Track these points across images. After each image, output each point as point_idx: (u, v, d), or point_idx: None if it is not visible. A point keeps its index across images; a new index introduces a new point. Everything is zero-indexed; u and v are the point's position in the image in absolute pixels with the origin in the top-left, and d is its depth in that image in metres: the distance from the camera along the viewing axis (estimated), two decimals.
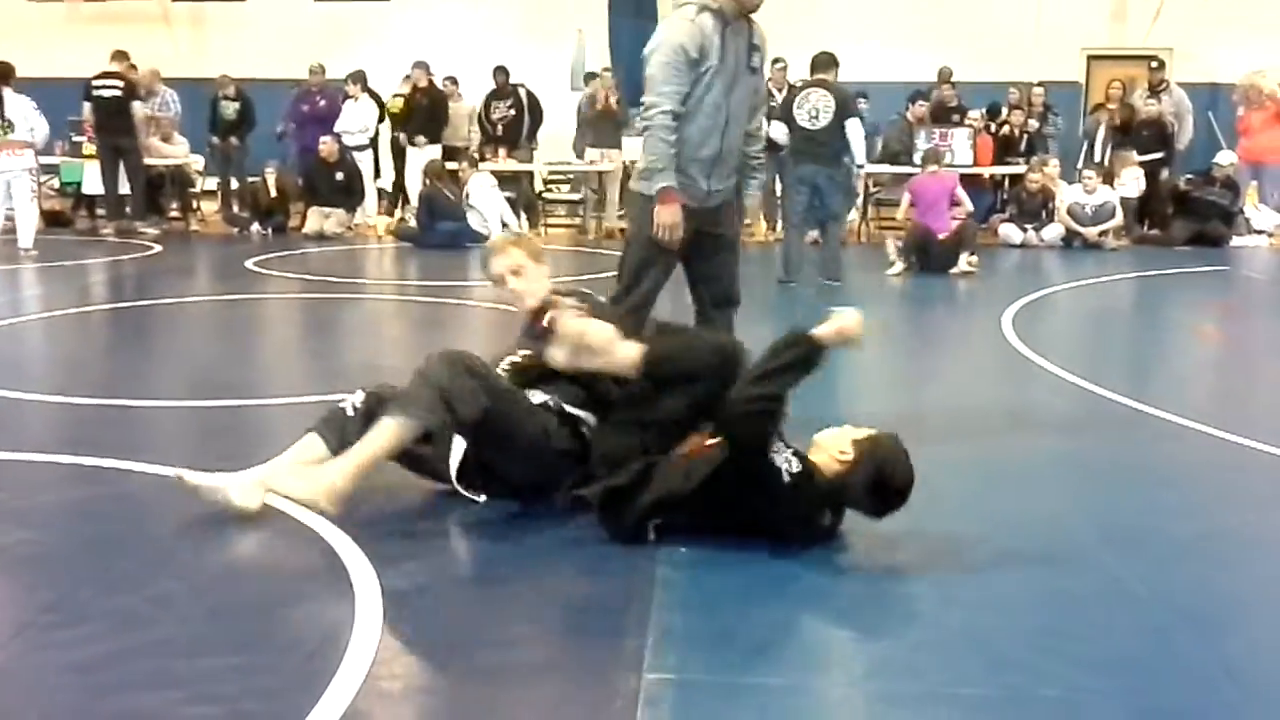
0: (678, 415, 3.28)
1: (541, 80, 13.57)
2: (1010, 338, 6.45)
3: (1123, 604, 2.93)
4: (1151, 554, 3.26)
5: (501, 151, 12.72)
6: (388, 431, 3.24)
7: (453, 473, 3.41)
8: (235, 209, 13.12)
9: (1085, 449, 4.41)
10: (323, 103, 12.83)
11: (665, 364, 3.31)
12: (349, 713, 2.30)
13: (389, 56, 14.34)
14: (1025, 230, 11.48)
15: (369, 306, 8.18)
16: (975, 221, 10.27)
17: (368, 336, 7.08)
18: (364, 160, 12.72)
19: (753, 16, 4.18)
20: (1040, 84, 13.40)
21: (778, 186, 12.16)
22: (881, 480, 3.11)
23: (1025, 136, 12.79)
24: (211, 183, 13.77)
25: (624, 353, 3.32)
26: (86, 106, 11.71)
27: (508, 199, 12.02)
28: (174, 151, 12.87)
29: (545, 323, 3.56)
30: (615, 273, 4.41)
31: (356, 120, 12.70)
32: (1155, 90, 12.59)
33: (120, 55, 11.88)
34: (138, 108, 11.94)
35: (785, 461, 3.10)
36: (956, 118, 12.76)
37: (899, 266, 9.41)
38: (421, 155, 12.46)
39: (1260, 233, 11.93)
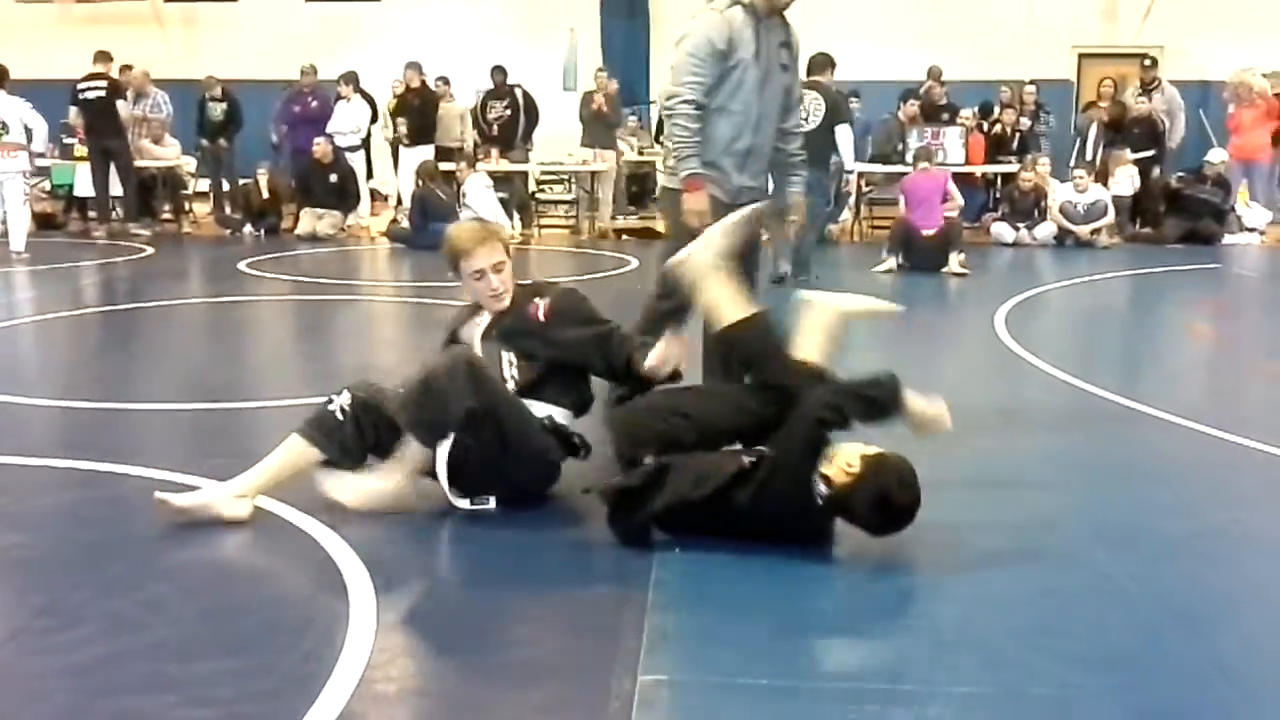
0: (731, 411, 3.39)
1: (533, 80, 13.58)
2: (1003, 336, 6.46)
3: (1115, 602, 2.94)
4: (1144, 552, 3.27)
5: (494, 152, 12.71)
6: (413, 455, 3.32)
7: (442, 477, 3.36)
8: (227, 210, 13.10)
9: (1077, 447, 4.42)
10: (314, 103, 12.82)
11: (766, 346, 3.46)
12: (344, 715, 2.30)
13: (382, 57, 14.33)
14: (1017, 229, 11.50)
15: (362, 308, 8.17)
16: (962, 220, 10.27)
17: (361, 338, 7.08)
18: (356, 161, 12.71)
19: (785, 14, 4.18)
20: (1032, 82, 13.43)
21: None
22: (885, 498, 3.10)
23: (1017, 135, 12.81)
24: (204, 184, 13.75)
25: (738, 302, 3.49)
26: (73, 111, 11.71)
27: (501, 199, 12.02)
28: (165, 153, 12.86)
29: (544, 311, 3.56)
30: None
31: (349, 121, 12.69)
32: (1147, 88, 12.61)
33: (103, 56, 11.85)
34: (123, 107, 11.93)
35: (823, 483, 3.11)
36: (946, 116, 12.78)
37: (889, 264, 9.42)
38: (414, 156, 12.44)
39: (1252, 230, 11.96)
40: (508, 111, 12.86)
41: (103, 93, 11.71)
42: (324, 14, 16.11)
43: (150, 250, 10.75)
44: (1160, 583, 3.05)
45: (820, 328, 3.63)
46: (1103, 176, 11.91)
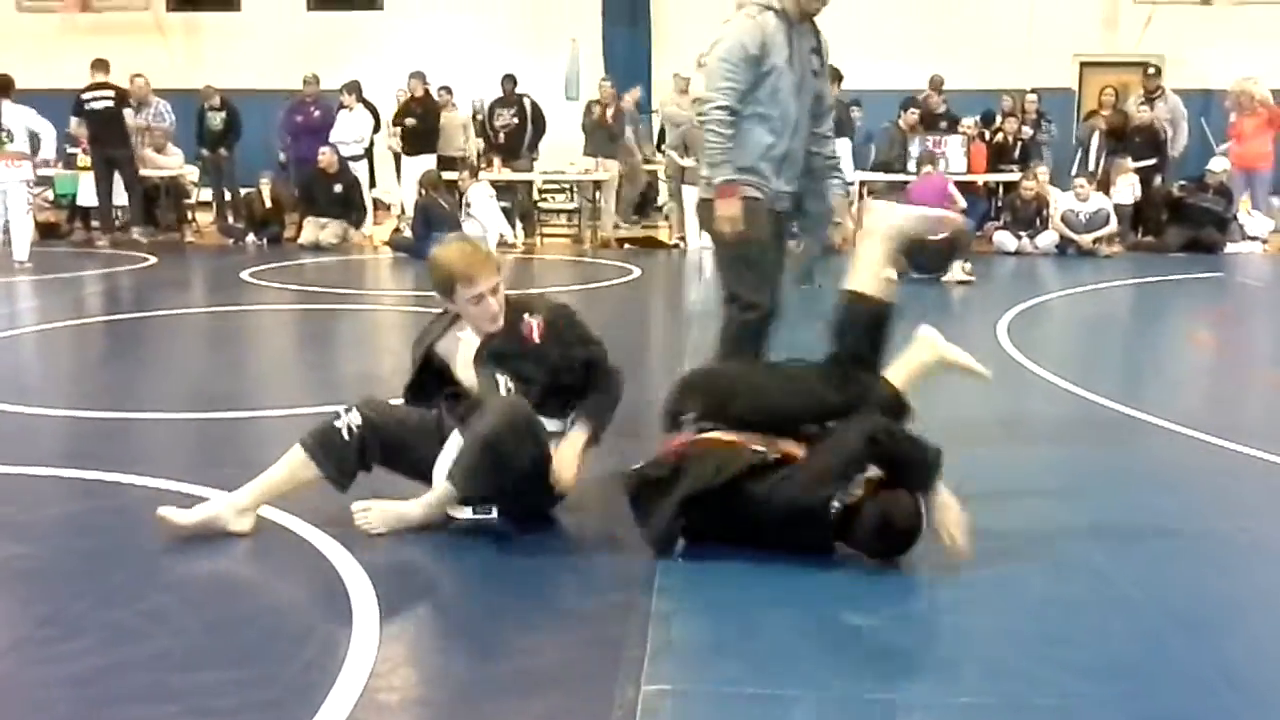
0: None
1: (536, 90, 13.59)
2: (1005, 344, 6.46)
3: (1118, 609, 2.93)
4: (1146, 559, 3.27)
5: (496, 161, 12.73)
6: (444, 497, 3.32)
7: (437, 476, 3.36)
8: (230, 220, 13.13)
9: (1079, 455, 4.42)
10: (317, 113, 12.84)
11: (871, 331, 3.49)
12: None
13: (384, 66, 14.37)
14: (1019, 237, 11.51)
15: (365, 317, 8.18)
16: (970, 226, 10.28)
17: (363, 347, 7.08)
18: (359, 170, 12.72)
19: (815, 20, 4.19)
20: (1033, 91, 13.43)
21: None
22: (887, 522, 3.10)
23: (1019, 144, 12.82)
24: (207, 194, 13.77)
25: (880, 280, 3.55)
26: (74, 121, 11.68)
27: (504, 208, 12.04)
28: (168, 163, 12.89)
29: (538, 331, 3.47)
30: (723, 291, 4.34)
31: (351, 131, 12.70)
32: (1151, 96, 12.62)
33: (102, 64, 11.81)
34: (128, 116, 11.96)
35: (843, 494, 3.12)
36: (944, 125, 12.80)
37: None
38: (416, 165, 12.46)
39: (1254, 239, 11.95)
40: (515, 120, 12.83)
41: (110, 102, 11.72)
42: (326, 23, 16.15)
43: (153, 259, 10.76)
44: (1163, 590, 3.05)
45: (917, 363, 3.58)
46: (1104, 185, 11.92)
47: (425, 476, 3.42)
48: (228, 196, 13.42)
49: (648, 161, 13.77)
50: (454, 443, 3.36)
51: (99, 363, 6.53)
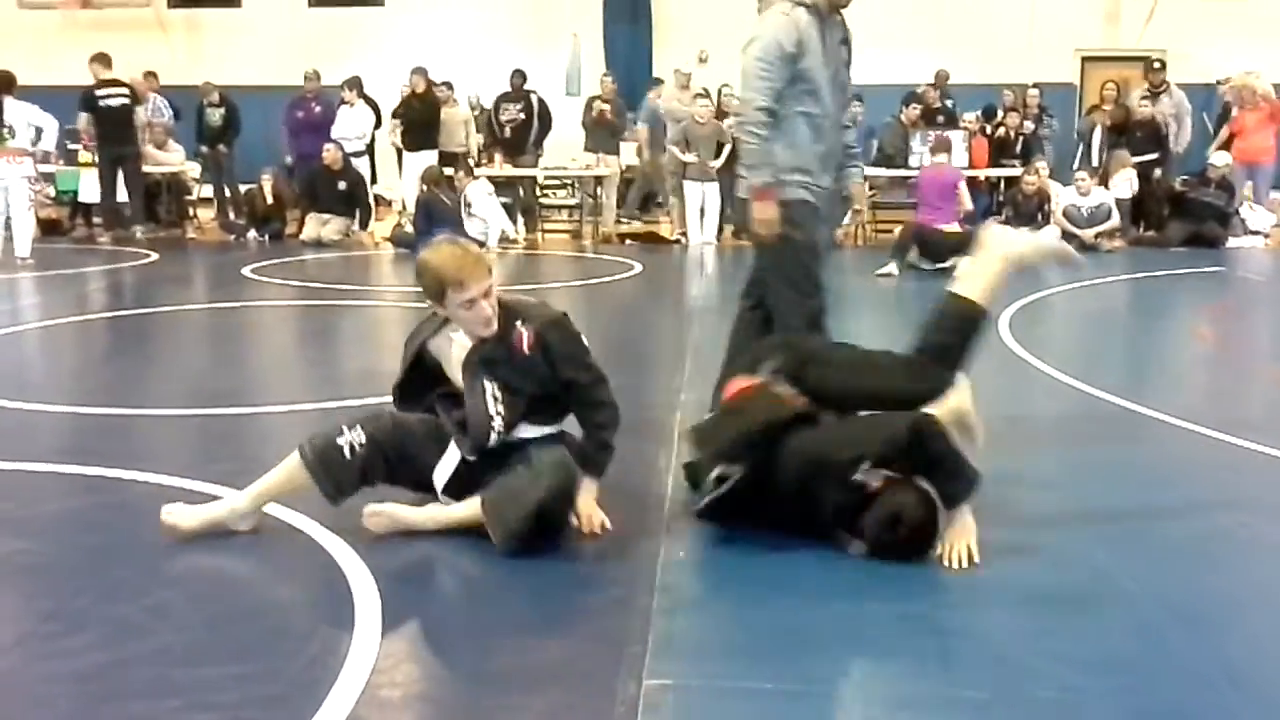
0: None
1: (537, 85, 13.60)
2: (1007, 339, 6.46)
3: (1117, 604, 2.94)
4: (1147, 554, 3.27)
5: (498, 157, 12.72)
6: (464, 521, 3.28)
7: (439, 484, 3.36)
8: (231, 216, 13.13)
9: (1081, 449, 4.42)
10: (318, 109, 12.85)
11: (964, 337, 3.47)
12: None
13: (386, 62, 14.37)
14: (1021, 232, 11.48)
15: (366, 313, 8.18)
16: (978, 227, 10.32)
17: (365, 344, 7.09)
18: (360, 167, 12.71)
19: (843, 12, 4.17)
20: (1035, 86, 13.43)
21: None
22: (897, 518, 3.11)
23: (1020, 138, 12.82)
24: (208, 190, 13.78)
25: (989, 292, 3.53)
26: (85, 117, 11.59)
27: (505, 204, 12.04)
28: (169, 159, 12.90)
29: (529, 343, 3.29)
30: (745, 288, 4.34)
31: (353, 127, 12.70)
32: (1156, 91, 12.61)
33: (105, 59, 11.76)
34: (140, 114, 11.97)
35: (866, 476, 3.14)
36: (942, 119, 12.80)
37: (890, 268, 9.44)
38: (418, 161, 12.46)
39: (1256, 233, 11.95)
40: (521, 115, 12.79)
41: (126, 99, 11.66)
42: (328, 19, 16.15)
43: (154, 256, 10.77)
44: (1163, 584, 3.05)
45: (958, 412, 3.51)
46: (1105, 180, 11.91)
47: (429, 486, 3.40)
48: (228, 193, 13.43)
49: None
50: (453, 454, 3.33)
51: (100, 359, 6.54)
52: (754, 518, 3.32)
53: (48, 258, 10.31)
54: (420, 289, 3.32)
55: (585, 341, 3.41)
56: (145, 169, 12.31)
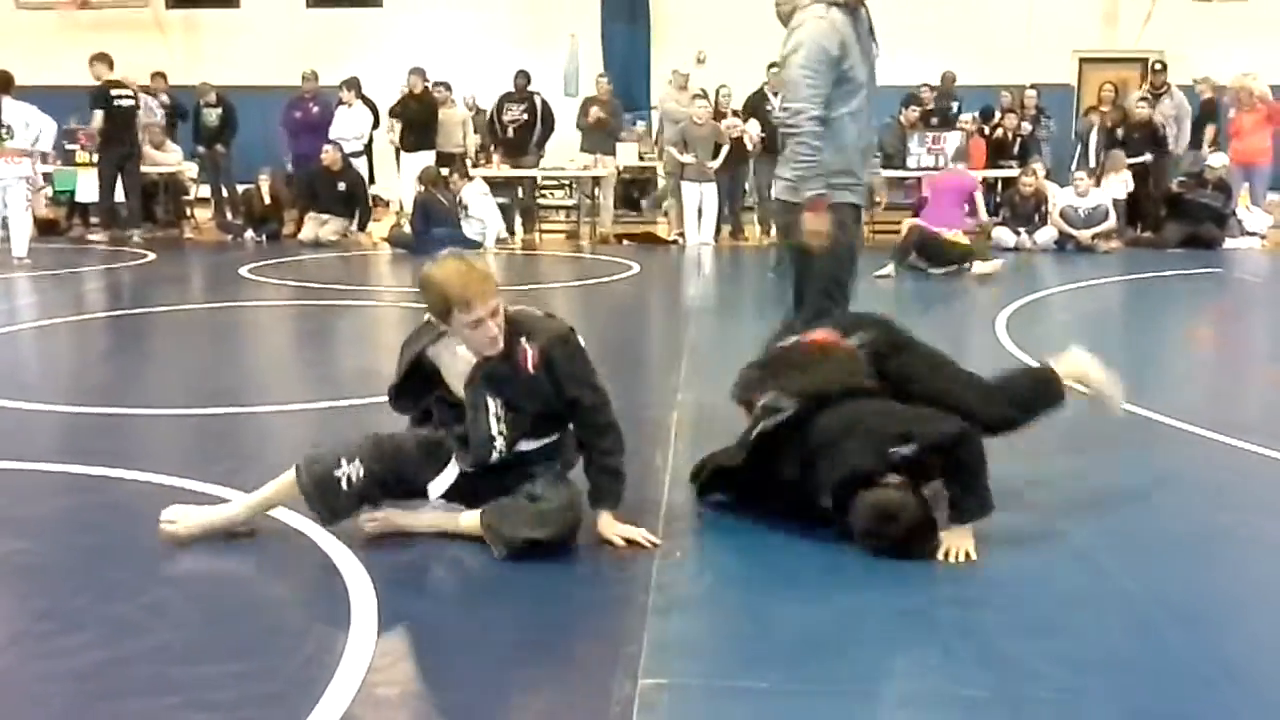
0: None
1: (534, 86, 13.60)
2: (1004, 340, 6.46)
3: (1117, 603, 2.94)
4: (1145, 554, 3.27)
5: (496, 158, 12.71)
6: (461, 530, 3.27)
7: (434, 496, 3.32)
8: (229, 216, 13.12)
9: (1078, 450, 4.41)
10: (315, 109, 12.85)
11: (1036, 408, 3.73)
12: (345, 718, 2.30)
13: (383, 63, 14.36)
14: (1018, 233, 11.51)
15: (364, 313, 8.18)
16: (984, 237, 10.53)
17: (362, 344, 7.09)
18: (358, 167, 12.70)
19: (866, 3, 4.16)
20: (1033, 87, 13.44)
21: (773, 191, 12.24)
22: (886, 513, 3.12)
23: (1018, 140, 12.83)
24: (205, 190, 13.78)
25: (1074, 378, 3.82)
26: (99, 114, 11.52)
27: (503, 205, 12.03)
28: (167, 159, 12.89)
29: (533, 361, 3.19)
30: (795, 294, 4.31)
31: (351, 127, 12.70)
32: (1157, 92, 12.63)
33: (105, 59, 11.74)
34: (143, 115, 12.00)
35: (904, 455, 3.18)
36: (935, 121, 12.82)
37: (888, 269, 9.46)
38: (415, 161, 12.46)
39: (1253, 234, 11.96)
40: (525, 116, 12.75)
41: (133, 101, 11.74)
42: (326, 20, 16.15)
43: (152, 256, 10.76)
44: (1162, 585, 3.05)
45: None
46: (1100, 181, 11.93)
47: (411, 491, 3.36)
48: (226, 193, 13.42)
49: (642, 157, 13.77)
50: (452, 470, 3.30)
51: (98, 358, 6.54)
52: (757, 490, 3.39)
53: (45, 258, 10.30)
54: (429, 305, 3.16)
55: (589, 359, 3.31)
56: (143, 169, 12.30)
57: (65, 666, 2.52)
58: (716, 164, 11.89)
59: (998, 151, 12.77)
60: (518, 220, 12.61)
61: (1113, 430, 4.66)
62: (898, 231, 10.50)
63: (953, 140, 12.24)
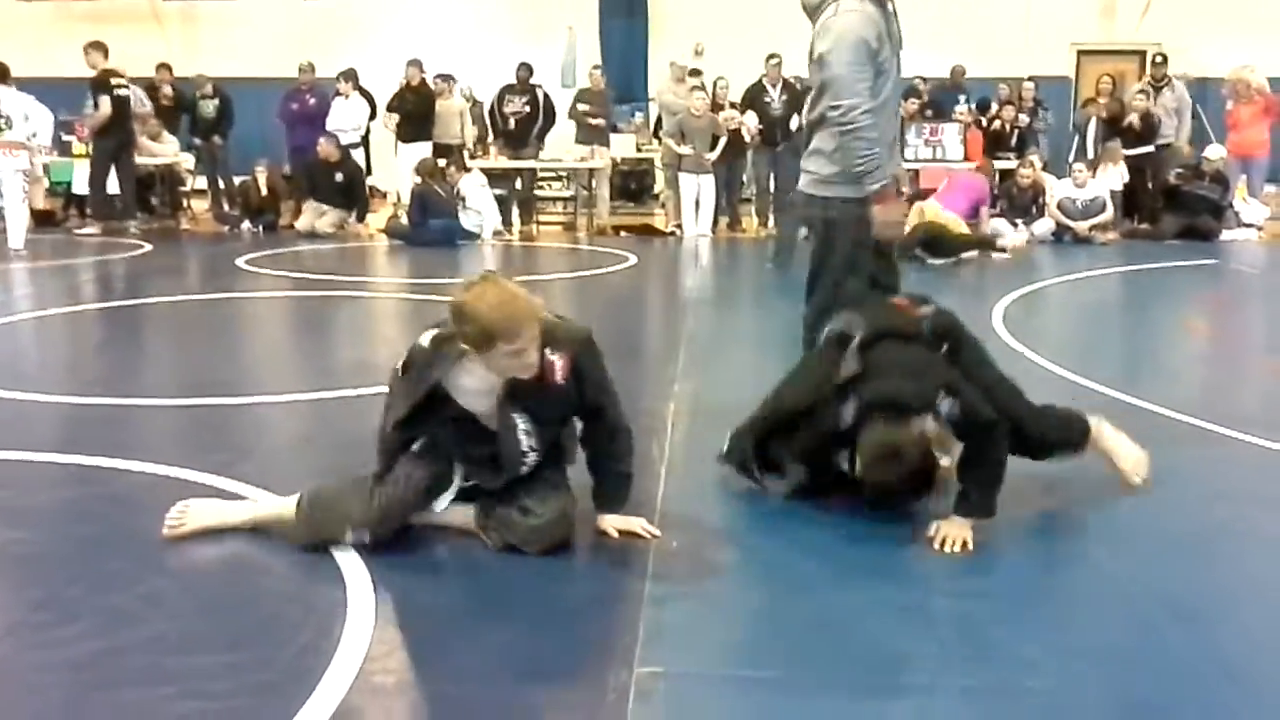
0: None
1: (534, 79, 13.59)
2: (1001, 332, 6.46)
3: (1112, 596, 2.94)
4: (1141, 546, 3.28)
5: (494, 149, 12.69)
6: (458, 524, 3.27)
7: (439, 506, 3.30)
8: (225, 207, 13.10)
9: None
10: (313, 101, 12.82)
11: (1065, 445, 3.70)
12: (341, 708, 2.31)
13: (381, 54, 14.33)
14: (1016, 225, 11.51)
15: (361, 304, 8.17)
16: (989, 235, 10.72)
17: (360, 335, 7.08)
18: (357, 158, 12.68)
19: None
20: (1031, 79, 13.43)
21: (771, 182, 12.24)
22: (892, 451, 3.15)
23: (1016, 132, 12.83)
24: (202, 181, 13.75)
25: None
26: (106, 100, 11.40)
27: (501, 196, 12.02)
28: (163, 150, 12.85)
29: (563, 372, 3.10)
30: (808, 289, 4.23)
31: (348, 119, 12.67)
32: (1158, 85, 12.62)
33: (101, 47, 11.65)
34: (134, 106, 11.97)
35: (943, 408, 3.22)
36: (929, 113, 12.83)
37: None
38: (413, 152, 12.43)
39: (1249, 226, 11.95)
40: (527, 108, 12.72)
41: (128, 91, 11.71)
42: (323, 11, 16.10)
43: (149, 247, 10.74)
44: (1159, 579, 3.06)
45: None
46: (1095, 171, 11.93)
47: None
48: (222, 184, 13.40)
49: (640, 149, 13.76)
50: (452, 492, 3.26)
51: (95, 349, 6.53)
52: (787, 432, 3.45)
53: (41, 249, 10.28)
54: (461, 334, 2.94)
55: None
56: (140, 160, 12.28)
57: (61, 656, 2.52)
58: (714, 156, 11.87)
59: (995, 143, 12.77)
60: (515, 212, 12.58)
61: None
62: None
63: (951, 132, 12.23)
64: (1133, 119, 12.18)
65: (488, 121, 13.21)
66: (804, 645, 2.67)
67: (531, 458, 3.18)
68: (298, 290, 8.46)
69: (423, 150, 12.37)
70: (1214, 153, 11.96)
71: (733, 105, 12.35)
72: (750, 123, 11.95)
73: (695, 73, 13.01)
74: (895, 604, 2.88)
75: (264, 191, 12.34)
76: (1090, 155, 12.33)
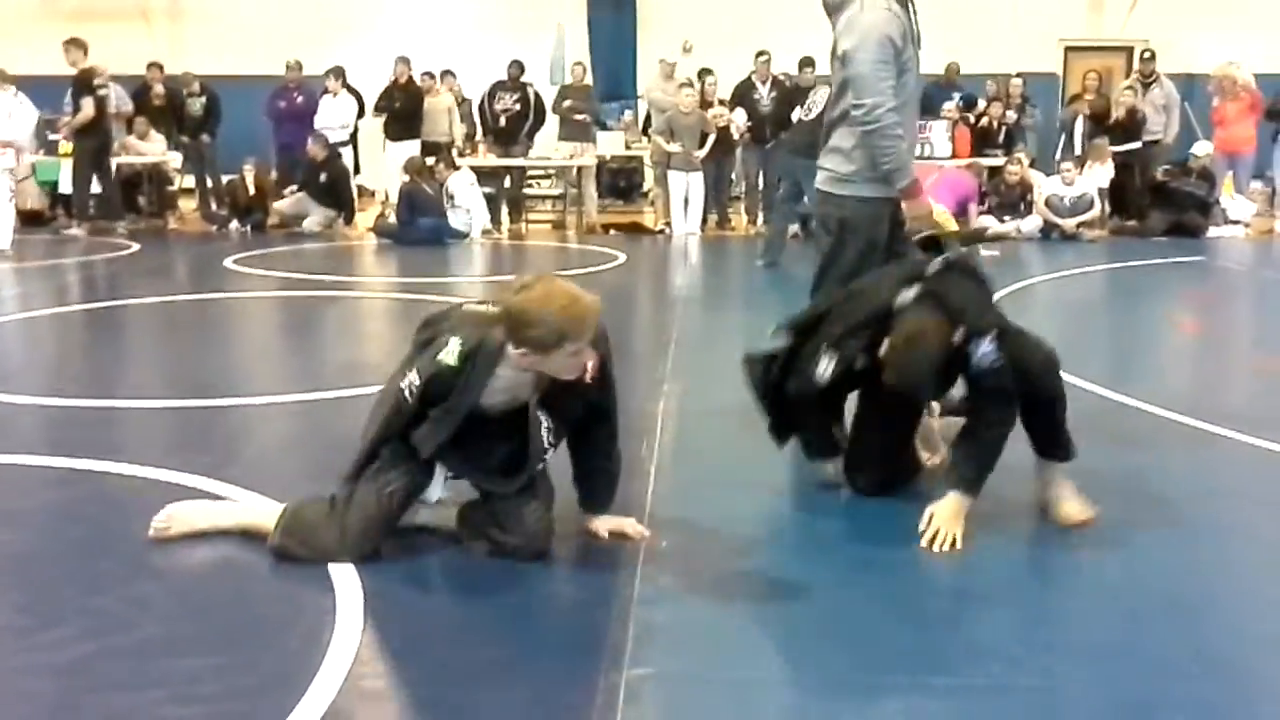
0: None
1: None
2: None
3: (1101, 593, 2.95)
4: (1129, 543, 3.28)
5: (482, 147, 12.67)
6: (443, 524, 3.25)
7: (431, 499, 3.27)
8: (213, 206, 13.06)
9: None
10: (300, 99, 12.79)
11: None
12: (330, 711, 2.30)
13: (369, 51, 14.30)
14: (1003, 222, 11.54)
15: (349, 304, 8.15)
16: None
17: (348, 334, 7.06)
18: (344, 156, 12.65)
19: None
20: (1018, 75, 13.45)
21: (760, 180, 12.25)
22: (920, 337, 3.18)
23: (1003, 128, 12.85)
24: (190, 180, 13.70)
25: None
26: (90, 102, 11.29)
27: (490, 194, 12.00)
28: (150, 149, 12.80)
29: (593, 371, 3.04)
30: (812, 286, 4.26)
31: (336, 117, 12.64)
32: (1146, 81, 12.65)
33: (80, 44, 11.51)
34: (114, 104, 11.94)
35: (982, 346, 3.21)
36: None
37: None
38: (401, 151, 12.41)
39: (1236, 223, 12.00)
40: (517, 106, 12.70)
41: (109, 90, 11.68)
42: (311, 8, 16.04)
43: (136, 247, 10.70)
44: (1147, 574, 3.07)
45: None
46: (1081, 168, 11.96)
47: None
48: (210, 183, 13.35)
49: (629, 146, 13.74)
50: (436, 490, 3.24)
51: (82, 350, 6.50)
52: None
53: (28, 249, 10.24)
54: (530, 338, 2.81)
55: None
56: (126, 160, 12.23)
57: (48, 660, 2.51)
58: (703, 153, 11.87)
59: (983, 140, 12.78)
60: (504, 210, 12.56)
61: (1096, 419, 4.68)
62: None
63: (939, 129, 12.25)
64: (1119, 114, 12.22)
65: (476, 119, 13.19)
66: (794, 645, 2.68)
67: (551, 454, 3.16)
68: (286, 290, 8.43)
69: (411, 148, 12.34)
70: (1201, 149, 12.00)
71: (721, 102, 12.35)
72: (739, 120, 11.95)
73: (692, 82, 13.03)
74: (885, 603, 2.88)
75: (252, 190, 12.30)
76: (1077, 152, 12.36)
